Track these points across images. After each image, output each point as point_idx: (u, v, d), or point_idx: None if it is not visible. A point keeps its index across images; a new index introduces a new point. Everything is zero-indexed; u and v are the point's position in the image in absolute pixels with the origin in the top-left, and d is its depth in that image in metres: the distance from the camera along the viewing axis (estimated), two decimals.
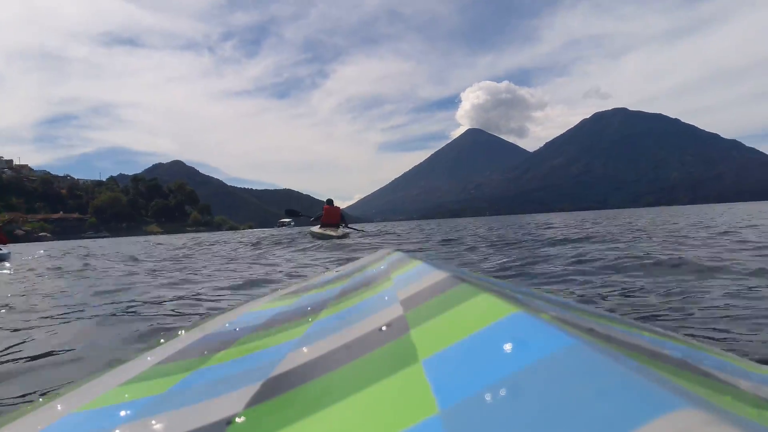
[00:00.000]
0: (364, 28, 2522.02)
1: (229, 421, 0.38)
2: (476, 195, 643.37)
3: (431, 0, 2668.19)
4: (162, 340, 0.74)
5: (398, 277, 0.72)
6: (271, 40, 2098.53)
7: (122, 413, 0.46)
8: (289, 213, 17.35)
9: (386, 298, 0.61)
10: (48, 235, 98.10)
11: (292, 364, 0.48)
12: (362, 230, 14.92)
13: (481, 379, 0.30)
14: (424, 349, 0.38)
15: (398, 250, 1.11)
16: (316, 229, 13.61)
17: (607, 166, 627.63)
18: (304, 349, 0.51)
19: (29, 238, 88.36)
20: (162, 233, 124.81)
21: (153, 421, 0.43)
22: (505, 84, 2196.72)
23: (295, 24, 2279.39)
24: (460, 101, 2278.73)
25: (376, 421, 0.31)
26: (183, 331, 0.77)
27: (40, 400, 0.56)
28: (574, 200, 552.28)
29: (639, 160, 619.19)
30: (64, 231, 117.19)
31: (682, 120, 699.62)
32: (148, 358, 0.64)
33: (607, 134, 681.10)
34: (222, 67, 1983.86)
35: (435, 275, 0.62)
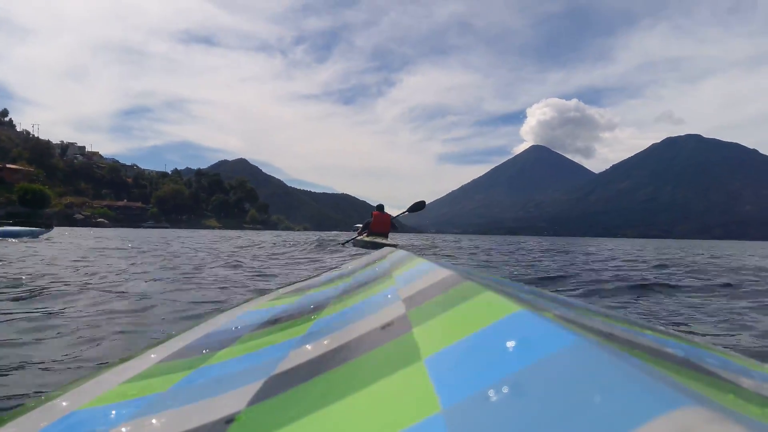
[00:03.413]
0: (433, 38, 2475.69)
1: (231, 419, 0.38)
2: (536, 213, 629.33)
3: (504, 14, 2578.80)
4: (164, 338, 0.75)
5: (400, 275, 0.72)
6: (342, 47, 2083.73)
7: (124, 411, 0.46)
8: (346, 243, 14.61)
9: (389, 296, 0.61)
10: (106, 221, 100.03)
11: (294, 362, 0.48)
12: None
13: (484, 378, 0.30)
14: (427, 347, 0.38)
15: (400, 248, 1.06)
16: (363, 237, 12.07)
17: (676, 194, 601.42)
18: (307, 347, 0.51)
19: (87, 222, 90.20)
20: (220, 228, 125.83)
21: (155, 419, 0.43)
22: (574, 102, 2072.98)
23: (366, 31, 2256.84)
24: (525, 117, 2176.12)
25: (379, 419, 0.31)
26: (185, 329, 0.78)
27: (43, 397, 0.56)
28: (639, 227, 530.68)
29: (710, 190, 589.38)
30: (126, 218, 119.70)
31: (761, 151, 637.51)
32: (151, 356, 0.64)
33: (678, 161, 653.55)
34: (292, 70, 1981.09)
35: (437, 273, 0.62)
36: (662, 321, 2.80)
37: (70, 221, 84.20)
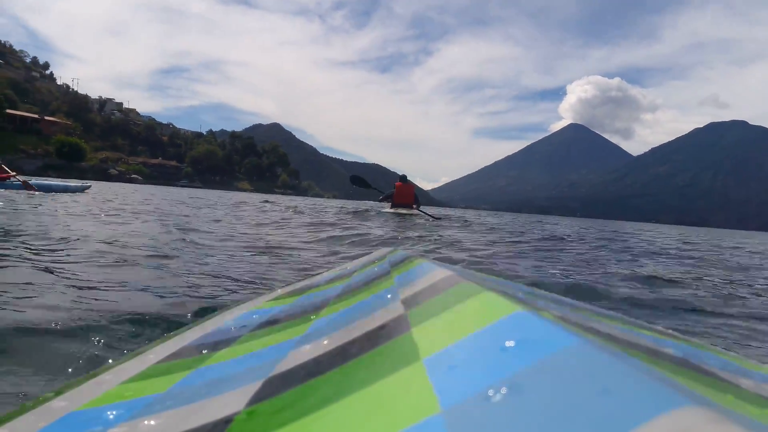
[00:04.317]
0: (475, 7, 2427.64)
1: (229, 420, 0.38)
2: (569, 194, 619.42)
3: None
4: (162, 339, 0.75)
5: (400, 275, 0.73)
6: (381, 13, 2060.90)
7: (123, 412, 0.46)
8: (356, 181, 13.65)
9: (388, 296, 0.61)
10: (139, 178, 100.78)
11: (293, 362, 0.48)
12: (436, 217, 11.60)
13: (483, 378, 0.30)
14: (426, 347, 0.38)
15: (400, 248, 1.12)
16: (386, 209, 12.02)
17: (716, 182, 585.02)
18: (306, 348, 0.51)
19: (121, 178, 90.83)
20: (252, 191, 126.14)
21: (154, 420, 0.43)
22: (616, 81, 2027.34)
23: None
24: (565, 93, 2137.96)
25: (378, 420, 0.30)
26: (184, 330, 0.78)
27: (40, 398, 0.55)
28: (675, 213, 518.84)
29: (752, 179, 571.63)
30: (160, 176, 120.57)
31: None
32: (149, 357, 0.64)
33: (720, 147, 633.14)
34: (330, 36, 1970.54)
35: (436, 274, 0.62)
36: None
37: (104, 176, 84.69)
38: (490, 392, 0.28)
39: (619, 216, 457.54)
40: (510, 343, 0.33)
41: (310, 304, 0.75)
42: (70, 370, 1.26)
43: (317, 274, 1.13)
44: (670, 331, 0.66)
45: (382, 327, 0.49)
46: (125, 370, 0.60)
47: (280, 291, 0.98)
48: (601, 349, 0.30)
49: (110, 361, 0.63)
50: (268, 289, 1.23)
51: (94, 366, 0.66)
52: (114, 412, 0.46)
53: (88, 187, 16.56)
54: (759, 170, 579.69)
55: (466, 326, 0.39)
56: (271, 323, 0.69)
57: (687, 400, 0.23)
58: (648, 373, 0.28)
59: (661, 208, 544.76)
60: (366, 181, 13.65)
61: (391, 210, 11.56)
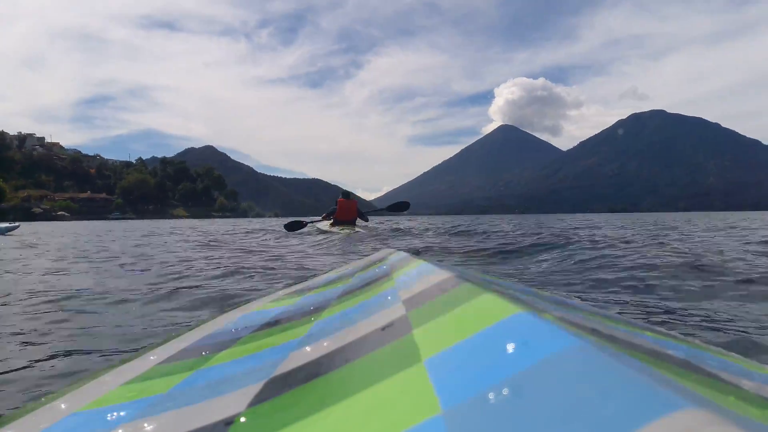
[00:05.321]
0: (400, 19, 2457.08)
1: (231, 421, 0.38)
2: (506, 192, 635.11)
3: None
4: (164, 340, 0.75)
5: (400, 276, 0.73)
6: (307, 29, 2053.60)
7: (124, 413, 0.46)
8: (290, 227, 11.97)
9: (389, 297, 0.61)
10: (66, 214, 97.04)
11: (294, 363, 0.48)
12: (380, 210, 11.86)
13: (484, 379, 0.30)
14: (427, 349, 0.38)
15: (401, 249, 1.10)
16: (325, 226, 11.18)
17: (642, 169, 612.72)
18: (307, 349, 0.51)
19: (47, 216, 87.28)
20: (188, 217, 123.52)
21: (155, 421, 0.43)
22: (541, 81, 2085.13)
23: (331, 13, 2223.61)
24: (493, 97, 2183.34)
25: (379, 421, 0.30)
26: (185, 331, 0.78)
27: (42, 399, 0.56)
28: (607, 202, 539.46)
29: (675, 164, 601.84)
30: (90, 211, 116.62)
31: (722, 125, 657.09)
32: (150, 358, 0.64)
33: (642, 136, 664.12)
34: (258, 54, 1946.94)
35: (437, 275, 0.62)
36: None
37: (28, 215, 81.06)
38: (491, 393, 0.28)
39: (555, 209, 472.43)
40: (511, 345, 0.33)
41: (312, 305, 0.75)
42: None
43: (318, 275, 1.13)
44: (672, 332, 0.67)
45: (383, 328, 0.49)
46: (127, 371, 0.60)
47: (281, 292, 0.99)
48: (602, 350, 0.30)
49: (112, 362, 0.66)
50: (269, 291, 1.18)
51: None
52: (116, 413, 0.46)
53: (16, 227, 16.12)
54: (680, 155, 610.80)
55: (467, 327, 0.39)
56: (272, 324, 0.69)
57: (689, 402, 0.23)
58: (649, 374, 0.28)
59: (593, 198, 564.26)
60: (300, 222, 12.52)
61: (333, 229, 10.46)
